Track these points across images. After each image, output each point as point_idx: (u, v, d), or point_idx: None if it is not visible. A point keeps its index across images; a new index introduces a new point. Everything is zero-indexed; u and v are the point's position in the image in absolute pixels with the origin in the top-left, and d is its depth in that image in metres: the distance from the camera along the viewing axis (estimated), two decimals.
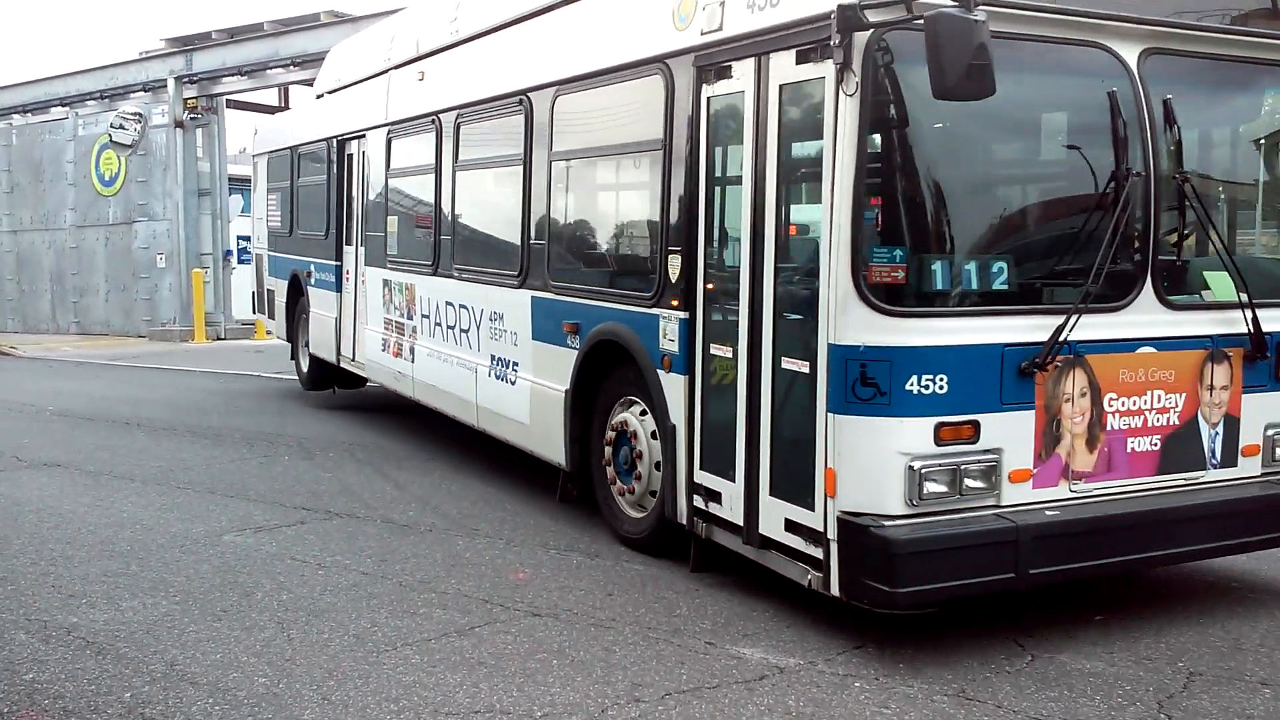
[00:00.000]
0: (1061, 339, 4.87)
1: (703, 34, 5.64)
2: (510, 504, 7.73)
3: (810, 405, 4.92)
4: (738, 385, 5.38)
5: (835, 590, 4.82)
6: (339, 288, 11.41)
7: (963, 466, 4.79)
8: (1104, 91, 5.02)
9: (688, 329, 5.78)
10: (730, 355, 5.46)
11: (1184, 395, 5.28)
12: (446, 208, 8.76)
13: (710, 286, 5.68)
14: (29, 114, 25.31)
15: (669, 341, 5.91)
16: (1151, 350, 5.18)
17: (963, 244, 5.03)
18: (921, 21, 4.32)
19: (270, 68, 20.94)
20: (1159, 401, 5.22)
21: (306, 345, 12.59)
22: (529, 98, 7.43)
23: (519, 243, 7.57)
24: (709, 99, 5.64)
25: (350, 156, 11.11)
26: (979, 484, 4.83)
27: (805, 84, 4.95)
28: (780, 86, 5.12)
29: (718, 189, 5.66)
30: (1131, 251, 5.15)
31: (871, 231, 4.73)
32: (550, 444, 7.19)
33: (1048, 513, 4.90)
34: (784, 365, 5.11)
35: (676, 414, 5.87)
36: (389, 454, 9.60)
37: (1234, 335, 5.36)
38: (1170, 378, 5.24)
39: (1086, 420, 5.06)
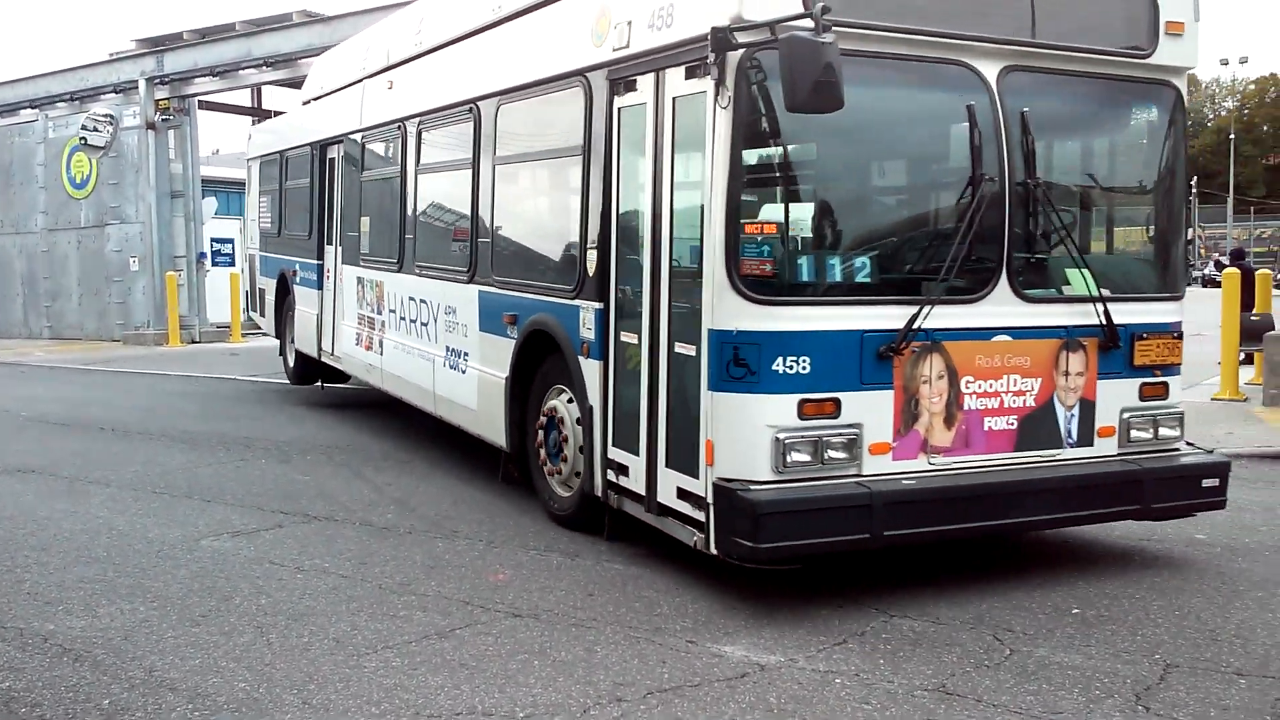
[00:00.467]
0: (916, 326, 5.45)
1: (614, 50, 6.23)
2: (490, 505, 7.76)
3: (696, 384, 5.51)
4: (641, 368, 5.96)
5: (714, 549, 5.39)
6: (321, 285, 11.99)
7: (824, 438, 5.36)
8: (964, 104, 5.59)
9: (603, 318, 6.35)
10: (636, 342, 6.03)
11: (1040, 380, 5.84)
12: (410, 209, 9.38)
13: (620, 280, 6.25)
14: None
15: (587, 330, 6.49)
16: (1007, 338, 5.74)
17: (827, 240, 5.65)
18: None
19: (242, 68, 20.71)
20: (1015, 385, 5.78)
21: (293, 341, 13.19)
22: (478, 106, 8.04)
23: (469, 241, 8.18)
24: (619, 109, 6.22)
25: (331, 160, 11.74)
26: (841, 455, 5.41)
27: (692, 97, 5.54)
28: (674, 99, 5.71)
29: (626, 191, 6.24)
30: (987, 249, 5.71)
31: (742, 229, 5.31)
32: (494, 428, 7.78)
33: (905, 481, 5.47)
34: (677, 349, 5.69)
35: (594, 396, 6.44)
36: (366, 455, 9.65)
37: (1088, 326, 5.93)
38: (1027, 363, 5.80)
39: (944, 400, 5.62)
